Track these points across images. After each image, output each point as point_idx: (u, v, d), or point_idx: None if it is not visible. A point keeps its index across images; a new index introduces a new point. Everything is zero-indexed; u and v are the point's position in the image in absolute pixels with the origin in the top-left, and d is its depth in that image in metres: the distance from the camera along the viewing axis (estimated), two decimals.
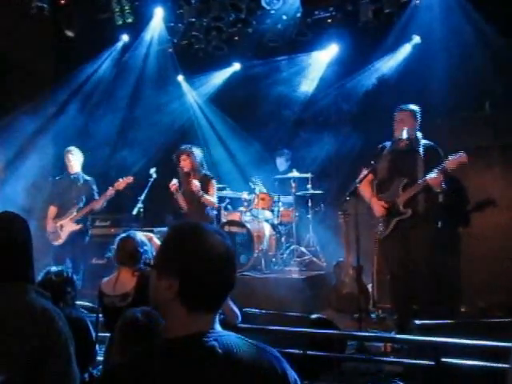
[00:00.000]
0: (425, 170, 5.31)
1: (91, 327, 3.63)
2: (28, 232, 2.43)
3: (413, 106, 5.54)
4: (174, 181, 6.79)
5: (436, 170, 5.12)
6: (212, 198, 6.86)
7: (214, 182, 6.95)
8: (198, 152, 6.92)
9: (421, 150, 5.41)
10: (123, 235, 4.01)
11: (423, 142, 5.47)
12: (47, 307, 2.27)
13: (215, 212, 7.24)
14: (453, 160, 5.08)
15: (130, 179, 6.78)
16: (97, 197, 7.06)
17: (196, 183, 6.66)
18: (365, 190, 5.56)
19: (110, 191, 6.78)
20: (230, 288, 1.64)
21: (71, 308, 3.57)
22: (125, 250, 3.89)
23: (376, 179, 5.58)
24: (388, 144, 5.63)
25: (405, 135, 5.32)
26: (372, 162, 5.33)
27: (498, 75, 6.63)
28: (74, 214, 6.94)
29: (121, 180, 6.78)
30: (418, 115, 5.50)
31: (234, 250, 1.68)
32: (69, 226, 6.93)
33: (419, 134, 5.52)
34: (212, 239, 1.61)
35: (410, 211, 5.31)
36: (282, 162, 8.63)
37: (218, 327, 1.60)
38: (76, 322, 3.26)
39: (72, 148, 7.18)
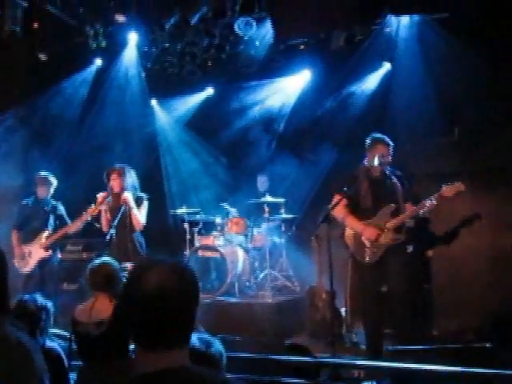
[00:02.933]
0: (403, 197, 5.44)
1: (64, 357, 3.58)
2: (3, 262, 2.40)
3: (382, 136, 5.61)
4: (104, 193, 6.31)
5: (430, 199, 5.22)
6: (141, 215, 6.31)
7: (146, 203, 6.43)
8: (131, 172, 6.47)
9: (394, 177, 5.51)
10: (96, 262, 3.94)
11: (390, 169, 5.58)
12: (22, 340, 2.23)
13: (141, 239, 6.50)
14: (449, 188, 5.19)
15: (105, 195, 6.33)
16: (68, 221, 6.95)
17: (128, 195, 6.19)
18: (344, 214, 5.55)
19: (85, 216, 6.46)
20: (179, 323, 1.62)
21: (45, 337, 3.52)
22: (101, 275, 3.82)
23: (356, 206, 5.58)
24: (360, 170, 5.68)
25: (376, 163, 5.42)
26: (344, 188, 5.38)
27: (468, 101, 6.77)
28: (43, 240, 6.81)
29: (93, 206, 6.36)
30: (391, 143, 5.58)
31: (187, 284, 1.66)
32: (38, 253, 6.80)
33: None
34: (145, 277, 1.61)
35: (402, 237, 5.39)
36: (262, 182, 8.55)
37: (187, 364, 1.61)
38: (50, 352, 3.22)
39: (44, 173, 7.07)
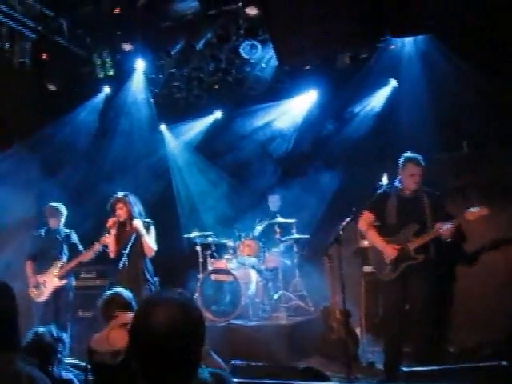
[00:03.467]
0: (432, 217, 5.41)
1: None
2: (13, 299, 2.43)
3: (421, 157, 5.60)
4: (114, 218, 6.35)
5: (450, 223, 5.22)
6: (152, 241, 6.36)
7: (153, 228, 6.47)
8: (135, 199, 6.52)
9: (426, 197, 5.50)
10: (111, 291, 3.96)
11: (426, 189, 5.56)
12: (34, 376, 2.26)
13: (150, 266, 6.47)
14: (473, 212, 5.17)
15: (115, 219, 6.35)
16: (82, 249, 6.99)
17: (139, 222, 6.26)
18: (369, 230, 5.60)
19: (98, 245, 6.53)
20: (185, 363, 1.63)
21: (61, 368, 3.54)
22: (116, 304, 3.83)
23: (383, 223, 5.61)
24: (389, 189, 5.71)
25: (406, 183, 5.48)
26: (353, 209, 5.40)
27: (476, 114, 6.76)
28: (58, 269, 6.84)
29: (106, 235, 6.40)
30: (422, 163, 5.54)
31: (194, 322, 1.66)
32: (53, 282, 6.83)
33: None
34: (154, 316, 1.62)
35: (422, 257, 5.36)
36: (274, 202, 8.56)
37: None
38: (67, 383, 3.24)
39: (54, 204, 7.13)
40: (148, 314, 1.63)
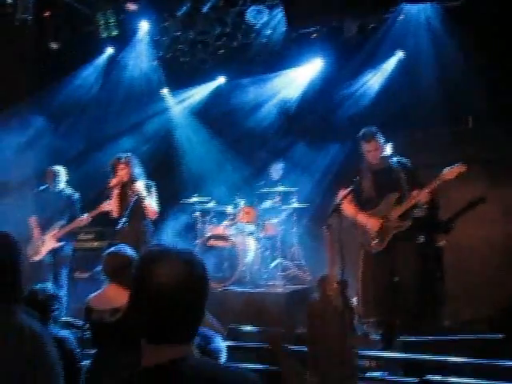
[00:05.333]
0: (408, 184, 5.42)
1: (76, 346, 3.58)
2: (17, 252, 2.41)
3: (373, 131, 5.57)
4: (118, 178, 6.39)
5: (425, 188, 5.22)
6: (154, 203, 6.44)
7: (154, 190, 6.53)
8: (136, 161, 6.56)
9: (397, 165, 5.53)
10: (112, 249, 3.88)
11: (396, 158, 5.59)
12: (35, 329, 2.24)
13: (151, 227, 6.63)
14: (451, 170, 5.15)
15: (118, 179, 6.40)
16: (81, 215, 6.91)
17: (140, 184, 6.29)
18: (348, 208, 5.61)
19: (97, 210, 6.58)
20: (187, 318, 1.59)
21: (57, 326, 3.53)
22: (112, 266, 3.79)
23: (360, 197, 5.64)
24: (364, 162, 5.70)
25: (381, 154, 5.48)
26: (354, 180, 5.38)
27: (482, 90, 6.70)
28: (56, 230, 6.85)
29: (107, 202, 6.49)
30: (380, 135, 5.55)
31: (198, 278, 1.62)
32: (50, 243, 6.84)
33: (389, 150, 5.62)
34: (157, 270, 1.57)
35: (408, 223, 5.39)
36: (278, 170, 8.44)
37: (191, 355, 1.59)
38: (62, 341, 3.23)
39: (56, 168, 7.09)
40: (152, 269, 1.58)
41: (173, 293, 1.55)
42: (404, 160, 5.63)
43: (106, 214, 6.54)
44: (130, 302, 1.64)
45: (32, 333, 2.20)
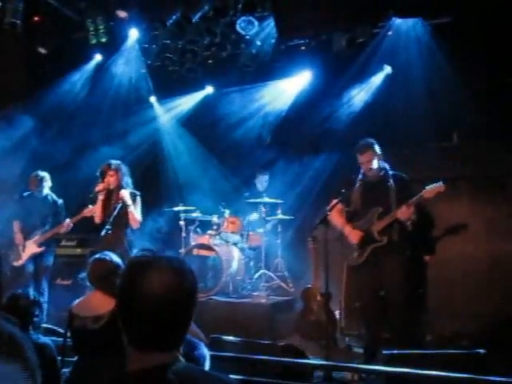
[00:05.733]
0: (397, 200, 5.40)
1: (57, 353, 3.53)
2: None
3: (369, 143, 5.56)
4: (105, 184, 6.30)
5: (404, 205, 5.22)
6: (138, 213, 6.31)
7: (139, 200, 6.41)
8: (126, 169, 6.48)
9: (391, 180, 5.50)
10: (98, 256, 3.81)
11: (392, 172, 5.57)
12: (15, 335, 2.20)
13: (132, 237, 6.44)
14: (431, 189, 5.17)
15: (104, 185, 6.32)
16: (64, 221, 6.85)
17: (126, 192, 6.22)
18: (337, 219, 5.62)
19: (79, 216, 6.57)
20: (176, 327, 1.58)
21: (38, 332, 3.48)
22: (97, 273, 3.71)
23: (349, 209, 5.66)
24: (358, 176, 5.69)
25: (375, 166, 5.44)
26: (342, 190, 5.40)
27: (466, 106, 6.77)
28: (38, 236, 6.80)
29: (90, 207, 6.42)
30: (377, 146, 5.57)
31: (188, 287, 1.59)
32: (31, 248, 6.79)
33: (387, 165, 5.62)
34: (146, 277, 1.54)
35: (386, 239, 5.38)
36: (263, 181, 8.41)
37: (178, 361, 1.57)
38: (43, 347, 3.19)
39: (41, 173, 7.02)
40: (141, 277, 1.55)
41: (163, 301, 1.53)
42: (401, 175, 5.61)
43: (89, 219, 6.48)
44: (116, 308, 1.61)
45: (11, 338, 2.16)
